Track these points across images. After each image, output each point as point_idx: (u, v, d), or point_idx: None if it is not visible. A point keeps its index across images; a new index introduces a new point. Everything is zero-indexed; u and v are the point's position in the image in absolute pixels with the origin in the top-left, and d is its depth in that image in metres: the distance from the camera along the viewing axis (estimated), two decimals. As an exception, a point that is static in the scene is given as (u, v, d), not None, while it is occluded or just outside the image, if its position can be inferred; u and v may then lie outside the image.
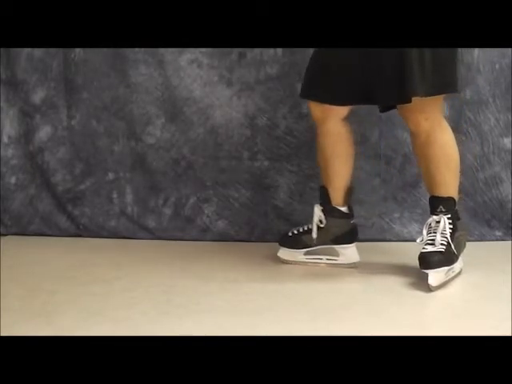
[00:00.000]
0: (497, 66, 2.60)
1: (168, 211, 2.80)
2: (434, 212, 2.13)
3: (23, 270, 2.35)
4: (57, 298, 2.01)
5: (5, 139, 2.88)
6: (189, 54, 2.71)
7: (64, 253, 2.57)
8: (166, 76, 2.75)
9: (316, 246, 2.34)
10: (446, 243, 2.09)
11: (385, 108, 2.28)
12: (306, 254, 2.35)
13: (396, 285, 2.08)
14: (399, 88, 2.02)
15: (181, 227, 2.76)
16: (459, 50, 2.15)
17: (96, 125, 2.82)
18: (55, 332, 1.72)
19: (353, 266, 2.31)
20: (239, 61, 2.66)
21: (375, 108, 2.62)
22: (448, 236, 2.10)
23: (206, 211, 2.76)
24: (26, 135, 2.87)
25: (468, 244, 2.32)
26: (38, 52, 2.80)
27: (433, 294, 2.00)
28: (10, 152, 2.88)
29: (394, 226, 2.66)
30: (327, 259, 2.34)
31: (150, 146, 2.80)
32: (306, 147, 2.69)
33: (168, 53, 2.72)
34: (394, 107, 2.23)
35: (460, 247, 2.15)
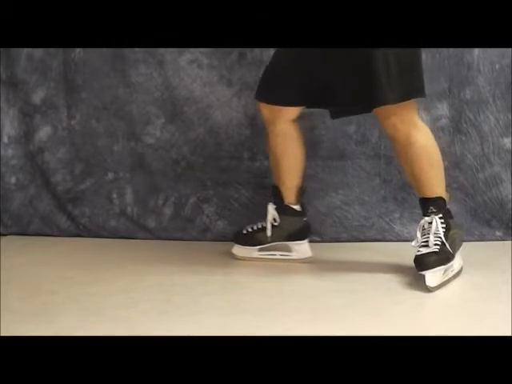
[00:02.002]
0: (497, 66, 2.60)
1: (168, 211, 2.80)
2: (425, 213, 2.14)
3: (23, 270, 2.35)
4: (57, 298, 2.01)
5: (5, 139, 2.88)
6: (189, 54, 2.71)
7: (64, 253, 2.57)
8: (165, 76, 2.75)
9: (270, 243, 2.41)
10: (439, 243, 2.09)
11: (337, 114, 2.31)
12: (260, 250, 2.41)
13: (396, 285, 2.08)
14: (366, 97, 2.07)
15: (181, 227, 2.76)
16: (422, 55, 2.17)
17: (96, 125, 2.82)
18: (55, 332, 1.72)
19: (305, 261, 2.38)
20: (239, 61, 2.66)
21: (375, 108, 2.62)
22: (441, 236, 2.10)
23: (205, 211, 2.76)
24: (26, 135, 2.87)
25: (468, 244, 2.32)
26: (37, 52, 2.80)
27: (433, 293, 2.00)
28: (9, 152, 2.88)
29: (394, 226, 2.66)
30: (281, 255, 2.41)
31: (149, 146, 2.80)
32: (305, 147, 2.69)
33: (168, 53, 2.72)
34: (346, 114, 2.30)
35: (455, 245, 2.15)
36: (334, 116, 2.32)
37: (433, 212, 2.12)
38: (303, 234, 2.41)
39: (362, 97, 2.09)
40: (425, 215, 2.14)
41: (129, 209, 2.82)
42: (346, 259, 2.38)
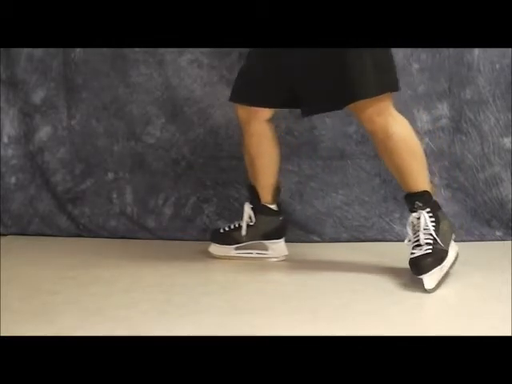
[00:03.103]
0: (497, 66, 2.60)
1: (168, 211, 2.80)
2: (412, 209, 2.13)
3: (23, 270, 2.35)
4: (57, 298, 2.01)
5: (5, 139, 2.88)
6: (189, 55, 2.71)
7: (64, 253, 2.57)
8: (166, 76, 2.75)
9: (246, 241, 2.43)
10: (431, 241, 2.08)
11: (308, 112, 2.29)
12: (237, 249, 2.43)
13: (396, 285, 2.08)
14: (340, 93, 2.08)
15: (181, 227, 2.76)
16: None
17: (96, 125, 2.82)
18: (55, 332, 1.72)
19: (281, 259, 2.41)
20: (239, 61, 2.66)
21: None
22: (432, 231, 2.09)
23: (205, 211, 2.76)
24: (26, 135, 2.87)
25: (468, 244, 2.33)
26: (38, 52, 2.80)
27: (432, 293, 2.00)
28: (9, 152, 2.88)
29: (394, 226, 2.66)
30: (257, 253, 2.43)
31: (149, 146, 2.80)
32: (305, 147, 2.70)
33: (168, 53, 2.72)
34: (318, 112, 2.29)
35: (447, 237, 2.13)
36: (304, 114, 2.29)
37: (419, 207, 2.11)
38: (279, 233, 2.43)
39: (336, 93, 2.09)
40: (412, 211, 2.13)
41: (129, 209, 2.82)
42: (346, 259, 2.38)
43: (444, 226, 2.13)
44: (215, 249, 2.46)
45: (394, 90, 2.15)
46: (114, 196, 2.83)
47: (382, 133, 2.12)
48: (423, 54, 2.60)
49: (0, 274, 2.20)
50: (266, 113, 2.31)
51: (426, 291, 2.01)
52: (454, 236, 2.17)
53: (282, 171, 2.71)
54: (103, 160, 2.83)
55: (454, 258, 2.15)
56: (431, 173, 2.64)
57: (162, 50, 2.72)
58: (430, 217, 2.11)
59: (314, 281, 2.16)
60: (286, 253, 2.42)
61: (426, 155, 2.64)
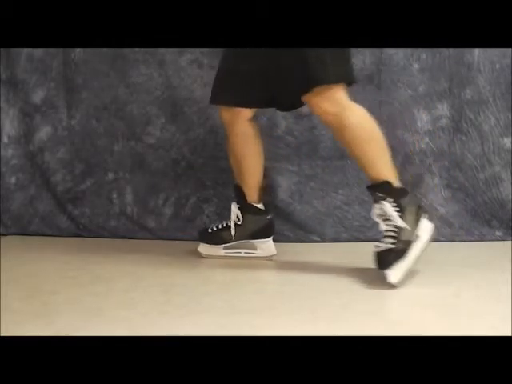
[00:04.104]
0: (497, 66, 2.60)
1: (168, 211, 2.80)
2: (375, 200, 2.13)
3: (23, 269, 2.35)
4: (57, 298, 2.01)
5: (5, 139, 2.88)
6: (189, 55, 2.71)
7: (64, 253, 2.57)
8: (166, 76, 2.75)
9: (234, 241, 2.44)
10: (394, 233, 2.09)
11: (284, 108, 2.34)
12: (226, 248, 2.45)
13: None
14: (300, 80, 2.10)
15: (181, 227, 2.76)
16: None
17: (96, 125, 2.82)
18: (55, 332, 1.72)
19: (270, 258, 2.42)
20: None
21: (375, 108, 2.63)
22: (396, 222, 2.08)
23: (206, 211, 2.76)
24: (26, 135, 2.87)
25: (468, 244, 2.32)
26: (38, 52, 2.81)
27: (432, 294, 2.00)
28: (9, 152, 2.88)
29: (394, 225, 2.65)
30: (245, 253, 2.44)
31: (149, 146, 2.80)
32: (306, 147, 2.70)
33: (168, 53, 2.72)
34: (293, 107, 2.31)
35: (412, 225, 2.10)
36: (282, 109, 2.35)
37: (381, 198, 2.10)
38: (267, 232, 2.44)
39: (296, 84, 2.11)
40: (375, 202, 2.13)
41: (129, 209, 2.82)
42: (346, 259, 2.38)
43: (408, 214, 2.11)
44: (204, 248, 2.47)
45: (350, 82, 2.17)
46: (114, 196, 2.83)
47: (337, 124, 2.13)
48: (423, 54, 2.61)
49: (0, 274, 2.20)
50: (248, 112, 2.33)
51: (426, 291, 2.00)
52: (425, 216, 2.14)
53: (282, 171, 2.72)
54: (103, 160, 2.83)
55: (427, 239, 2.13)
56: (431, 173, 2.65)
57: (162, 50, 2.72)
58: (394, 206, 2.10)
59: (314, 281, 2.16)
60: (275, 252, 2.42)
61: (426, 155, 2.66)
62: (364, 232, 2.66)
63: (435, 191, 2.66)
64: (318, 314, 1.86)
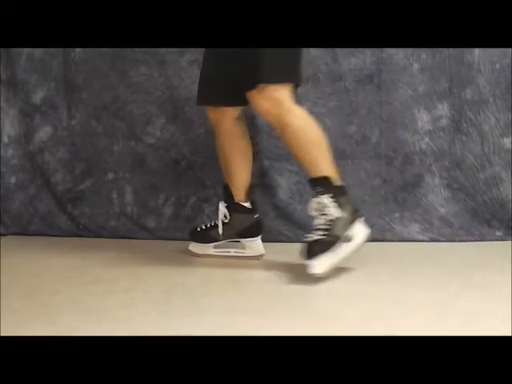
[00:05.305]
0: (497, 66, 2.60)
1: (168, 211, 2.80)
2: (315, 195, 2.17)
3: (23, 270, 2.35)
4: (57, 298, 2.01)
5: (5, 139, 2.88)
6: (189, 55, 2.71)
7: (64, 253, 2.57)
8: (166, 76, 2.75)
9: (223, 240, 2.45)
10: (327, 226, 2.13)
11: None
12: (216, 247, 2.46)
13: (396, 285, 2.08)
14: (246, 77, 2.13)
15: (181, 227, 2.76)
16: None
17: (96, 125, 2.82)
18: (55, 332, 1.72)
19: (259, 258, 2.43)
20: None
21: (375, 108, 2.63)
22: (331, 215, 2.13)
23: (206, 211, 2.76)
24: (26, 135, 2.87)
25: (468, 244, 2.32)
26: (37, 52, 2.81)
27: (432, 294, 2.00)
28: (9, 152, 2.88)
29: (395, 226, 2.66)
30: (235, 252, 2.45)
31: (149, 146, 2.80)
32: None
33: (168, 53, 2.72)
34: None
35: (346, 224, 2.15)
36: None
37: (320, 192, 2.15)
38: (255, 231, 2.44)
39: (243, 81, 2.14)
40: (314, 196, 2.17)
41: (129, 209, 2.82)
42: (346, 259, 2.38)
43: (344, 212, 2.15)
44: (195, 247, 2.48)
45: (292, 82, 2.17)
46: (114, 196, 2.83)
47: (278, 124, 2.17)
48: (423, 54, 2.60)
49: (0, 274, 2.20)
50: (232, 111, 2.33)
51: (426, 291, 2.00)
52: (360, 219, 2.19)
53: (282, 171, 2.72)
54: (103, 160, 2.83)
55: (361, 240, 2.17)
56: (431, 173, 2.65)
57: (162, 50, 2.72)
58: (333, 202, 2.14)
59: (314, 281, 2.16)
60: (263, 251, 2.43)
61: (426, 155, 2.66)
62: (364, 232, 2.66)
63: (435, 191, 2.66)
64: (317, 314, 1.86)
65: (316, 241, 2.13)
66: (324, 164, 2.18)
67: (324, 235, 2.13)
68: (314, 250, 2.11)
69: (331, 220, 2.13)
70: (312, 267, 2.09)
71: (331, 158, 2.19)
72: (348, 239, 2.14)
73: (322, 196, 2.14)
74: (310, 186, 2.20)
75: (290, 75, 2.17)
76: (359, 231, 2.18)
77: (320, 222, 2.14)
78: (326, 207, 2.13)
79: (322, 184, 2.15)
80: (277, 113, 2.14)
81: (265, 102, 2.14)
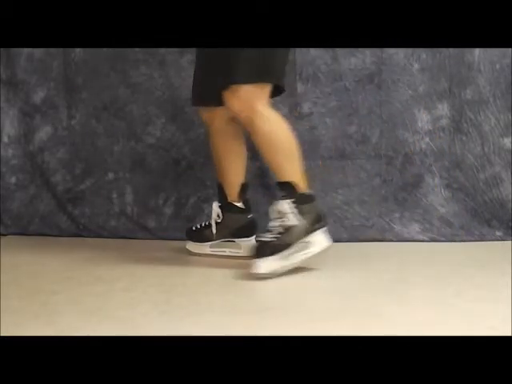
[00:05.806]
0: (497, 66, 2.60)
1: (168, 211, 2.80)
2: (280, 198, 2.19)
3: (23, 270, 2.34)
4: (57, 298, 2.01)
5: (5, 139, 2.88)
6: (189, 55, 2.71)
7: (64, 253, 2.56)
8: (166, 76, 2.75)
9: (216, 239, 2.47)
10: (280, 229, 2.15)
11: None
12: (211, 246, 2.47)
13: (396, 285, 2.08)
14: (220, 77, 2.15)
15: (181, 227, 2.75)
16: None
17: (96, 125, 2.83)
18: (55, 332, 1.72)
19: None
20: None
21: (375, 107, 2.63)
22: (288, 222, 2.14)
23: (206, 211, 2.76)
24: (26, 135, 2.87)
25: (468, 244, 2.32)
26: (38, 52, 2.81)
27: (431, 294, 2.00)
28: (10, 152, 2.88)
29: (395, 225, 2.66)
30: (230, 251, 2.46)
31: (150, 146, 2.80)
32: (306, 147, 2.69)
33: (169, 53, 2.73)
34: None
35: (301, 232, 2.16)
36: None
37: (283, 196, 2.17)
38: (249, 231, 2.44)
39: (217, 80, 2.15)
40: (279, 199, 2.19)
41: (129, 209, 2.82)
42: (346, 259, 2.38)
43: (305, 220, 2.16)
44: (192, 246, 2.50)
45: (273, 85, 2.17)
46: (114, 196, 2.83)
47: (248, 127, 2.19)
48: (424, 54, 2.60)
49: (0, 274, 2.20)
50: (223, 111, 2.32)
51: (426, 291, 2.00)
52: (323, 229, 2.20)
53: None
54: (103, 160, 2.83)
55: (318, 251, 2.18)
56: (431, 173, 2.65)
57: (162, 51, 2.72)
58: (294, 208, 2.15)
59: (314, 281, 2.16)
60: None
61: (426, 155, 2.66)
62: (364, 232, 2.66)
63: (435, 191, 2.66)
64: (317, 314, 1.86)
65: (266, 242, 2.15)
66: (291, 170, 2.19)
67: (275, 238, 2.15)
68: (263, 250, 2.14)
69: (286, 226, 2.15)
70: (257, 267, 2.12)
71: (300, 164, 2.20)
72: (302, 248, 2.15)
73: (283, 201, 2.16)
74: (277, 190, 2.22)
75: (265, 76, 2.15)
76: (318, 241, 2.19)
77: (275, 224, 2.17)
78: (285, 213, 2.15)
79: (285, 189, 2.17)
80: (247, 115, 2.15)
81: (236, 102, 2.15)
